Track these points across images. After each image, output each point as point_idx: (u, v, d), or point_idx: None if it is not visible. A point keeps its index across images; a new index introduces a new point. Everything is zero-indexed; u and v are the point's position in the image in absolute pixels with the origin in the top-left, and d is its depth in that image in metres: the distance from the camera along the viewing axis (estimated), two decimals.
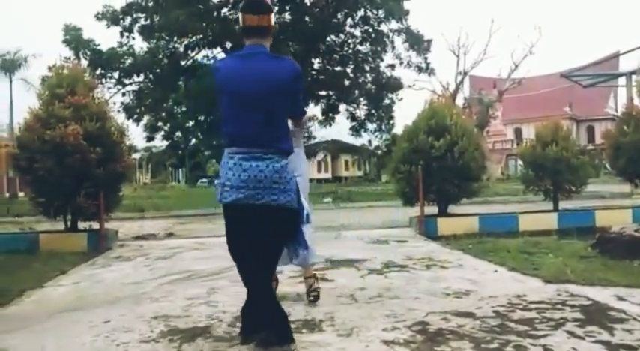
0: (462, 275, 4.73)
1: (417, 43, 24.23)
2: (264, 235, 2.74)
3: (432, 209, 8.39)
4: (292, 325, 3.27)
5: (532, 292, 3.97)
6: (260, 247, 2.76)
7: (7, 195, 27.52)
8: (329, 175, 51.70)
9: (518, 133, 52.06)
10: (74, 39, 22.21)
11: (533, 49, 31.12)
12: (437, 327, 3.17)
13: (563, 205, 8.94)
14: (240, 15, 2.88)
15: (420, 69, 25.02)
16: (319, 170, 52.44)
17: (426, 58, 24.74)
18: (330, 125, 27.30)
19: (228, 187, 2.71)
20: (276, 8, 24.55)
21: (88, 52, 22.41)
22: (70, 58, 9.68)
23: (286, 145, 2.80)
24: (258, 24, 2.83)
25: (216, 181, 2.85)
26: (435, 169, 7.80)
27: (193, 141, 40.37)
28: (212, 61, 24.67)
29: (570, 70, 20.11)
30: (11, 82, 31.74)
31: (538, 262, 5.09)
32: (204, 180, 62.44)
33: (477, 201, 9.80)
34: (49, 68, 7.94)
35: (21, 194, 22.29)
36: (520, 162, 10.84)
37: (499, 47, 61.81)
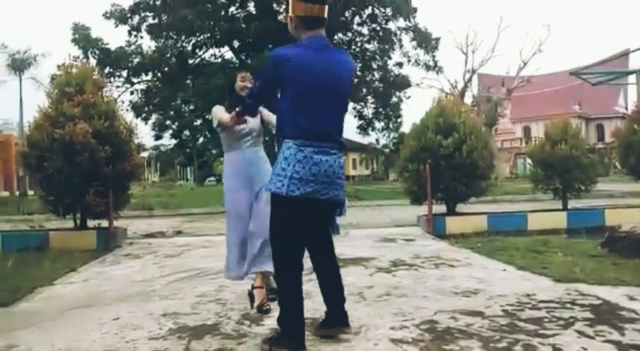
0: (471, 274, 4.71)
1: (425, 41, 24.15)
2: (319, 227, 2.87)
3: (440, 208, 8.36)
4: None
5: (541, 291, 3.95)
6: (317, 237, 2.91)
7: (17, 193, 27.75)
8: None
9: (527, 131, 51.83)
10: (83, 38, 22.30)
11: (542, 47, 30.96)
12: (445, 326, 3.16)
13: (573, 203, 8.89)
14: (297, 4, 2.77)
15: (427, 67, 24.95)
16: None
17: (434, 56, 24.67)
18: None
19: (296, 180, 2.68)
20: (283, 7, 24.56)
21: (97, 51, 22.50)
22: (78, 57, 9.76)
23: (343, 141, 2.93)
24: (323, 14, 2.80)
25: (274, 172, 2.77)
26: (443, 168, 7.77)
27: (201, 139, 40.49)
28: (219, 60, 24.69)
29: (579, 68, 19.91)
30: (21, 81, 31.94)
31: (547, 261, 5.06)
32: (212, 178, 62.64)
33: (486, 200, 9.76)
34: (58, 67, 7.99)
35: (31, 192, 22.48)
36: (529, 160, 10.78)
37: (508, 45, 61.65)
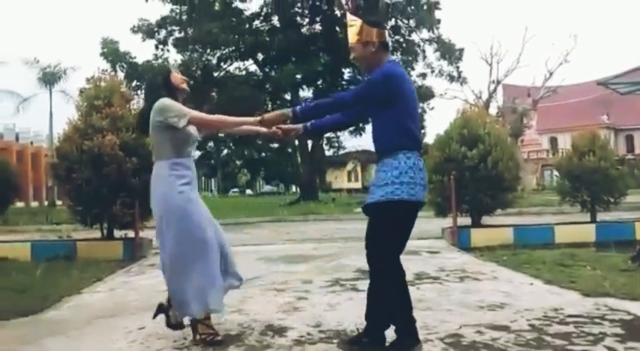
0: (497, 288, 4.64)
1: (449, 52, 24.10)
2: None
3: (464, 220, 8.27)
4: (323, 335, 3.28)
5: (569, 305, 3.87)
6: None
7: (46, 203, 28.40)
8: (359, 185, 51.59)
9: (553, 142, 51.03)
10: (111, 52, 22.86)
11: (569, 57, 30.53)
12: (470, 340, 3.11)
13: (602, 216, 8.69)
14: (377, 31, 3.03)
15: (451, 78, 24.87)
16: (349, 180, 52.42)
17: (457, 67, 24.59)
18: (360, 135, 27.28)
19: (419, 185, 2.97)
20: (307, 19, 24.82)
21: (125, 65, 23.03)
22: (107, 71, 9.93)
23: None
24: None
25: (400, 180, 2.90)
26: (467, 179, 7.69)
27: (225, 151, 40.89)
28: (244, 73, 24.94)
29: (607, 78, 19.56)
30: (51, 94, 32.79)
31: (575, 275, 4.95)
32: (236, 189, 63.09)
33: (512, 212, 9.60)
34: (87, 80, 8.17)
35: (59, 202, 22.96)
36: (556, 172, 10.60)
37: (533, 55, 61.03)
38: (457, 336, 3.20)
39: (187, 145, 3.43)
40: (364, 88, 3.01)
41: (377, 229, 2.95)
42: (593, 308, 3.77)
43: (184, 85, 3.53)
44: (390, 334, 2.93)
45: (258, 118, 3.24)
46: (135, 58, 23.47)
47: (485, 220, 8.32)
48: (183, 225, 3.25)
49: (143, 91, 3.48)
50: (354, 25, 3.04)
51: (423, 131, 25.69)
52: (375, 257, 2.97)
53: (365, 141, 34.48)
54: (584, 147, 8.43)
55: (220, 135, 28.63)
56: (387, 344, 2.93)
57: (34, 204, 30.86)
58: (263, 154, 41.08)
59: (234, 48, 24.23)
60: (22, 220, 15.16)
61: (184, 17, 23.86)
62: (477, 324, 3.43)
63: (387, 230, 2.92)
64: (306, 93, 24.51)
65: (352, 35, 3.04)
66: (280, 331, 3.42)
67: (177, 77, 3.52)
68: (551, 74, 31.29)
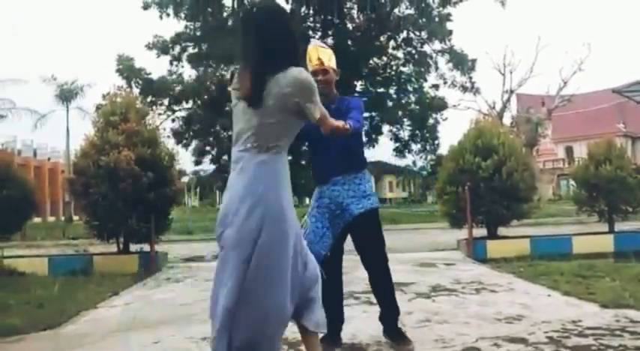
0: (513, 299, 4.58)
1: (461, 62, 24.07)
2: None
3: (480, 231, 8.20)
4: (338, 349, 3.26)
5: (588, 317, 3.81)
6: None
7: (63, 218, 28.71)
8: None
9: (569, 151, 50.46)
10: (126, 68, 23.20)
11: (583, 66, 30.31)
12: None
13: (620, 226, 8.57)
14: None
15: (464, 88, 24.80)
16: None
17: (470, 78, 24.53)
18: (373, 146, 27.27)
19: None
20: (319, 33, 24.99)
21: (140, 81, 23.34)
22: (122, 87, 10.10)
23: None
24: None
25: (372, 193, 3.36)
26: (482, 190, 7.64)
27: None
28: None
29: (623, 86, 19.38)
30: (68, 110, 33.22)
31: (594, 286, 4.87)
32: None
33: (528, 222, 9.51)
34: (104, 97, 8.32)
35: (75, 217, 23.21)
36: (572, 182, 10.49)
37: (547, 64, 60.61)
38: (474, 349, 3.16)
39: None
40: (362, 117, 3.23)
41: (378, 232, 3.32)
42: (612, 320, 3.71)
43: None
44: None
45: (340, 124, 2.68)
46: (150, 74, 23.79)
47: (501, 231, 8.24)
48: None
49: (254, 39, 2.18)
50: (327, 50, 3.25)
51: (436, 142, 25.64)
52: (384, 257, 3.34)
53: (378, 152, 34.47)
54: (601, 156, 8.34)
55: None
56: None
57: (51, 219, 31.19)
58: None
59: None
60: (39, 235, 15.35)
61: (198, 33, 24.17)
62: (494, 336, 3.39)
63: (381, 232, 3.35)
64: None
65: (328, 58, 3.19)
66: (294, 345, 3.42)
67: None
68: (565, 83, 31.15)
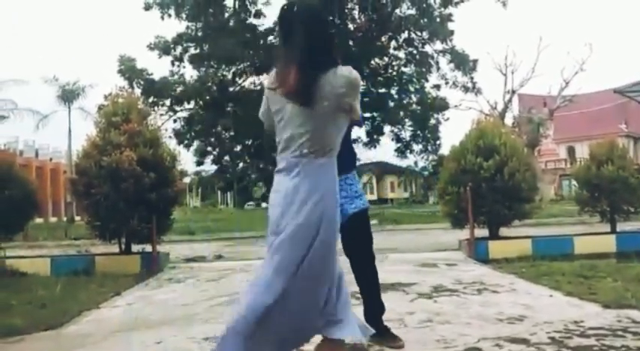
0: (515, 300, 4.58)
1: (463, 63, 24.06)
2: None
3: (482, 232, 8.19)
4: None
5: (590, 317, 3.80)
6: None
7: (65, 219, 28.73)
8: (374, 197, 51.40)
9: (571, 151, 50.37)
10: (128, 69, 23.23)
11: (584, 66, 30.28)
12: None
13: (622, 226, 8.55)
14: None
15: (466, 89, 24.80)
16: (364, 192, 52.24)
17: (472, 78, 24.53)
18: (375, 147, 27.27)
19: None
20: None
21: (142, 81, 23.36)
22: (124, 88, 10.10)
23: None
24: None
25: (360, 191, 3.41)
26: (484, 190, 7.64)
27: (241, 165, 41.14)
28: (259, 88, 25.28)
29: (625, 86, 19.35)
30: (70, 111, 33.27)
31: (596, 287, 4.87)
32: (251, 203, 63.25)
33: (530, 223, 9.49)
34: (105, 97, 8.32)
35: (77, 218, 23.23)
36: (574, 182, 10.47)
37: (548, 65, 60.49)
38: (476, 349, 3.16)
39: None
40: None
41: (368, 231, 3.38)
42: (614, 320, 3.70)
43: None
44: None
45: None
46: (152, 74, 23.82)
47: (503, 231, 8.23)
48: None
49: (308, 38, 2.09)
50: None
51: (438, 142, 25.63)
52: (373, 256, 3.42)
53: (379, 153, 34.43)
54: (603, 156, 8.33)
55: (236, 149, 28.87)
56: None
57: (53, 219, 31.22)
58: None
59: (249, 63, 24.48)
60: (41, 235, 15.36)
61: (200, 34, 24.19)
62: (495, 337, 3.39)
63: (370, 231, 3.43)
64: None
65: None
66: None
67: None
68: (567, 83, 31.14)
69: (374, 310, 3.37)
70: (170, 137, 23.59)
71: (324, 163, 2.27)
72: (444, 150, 22.76)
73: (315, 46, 2.25)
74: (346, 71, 2.25)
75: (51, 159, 39.39)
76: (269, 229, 2.31)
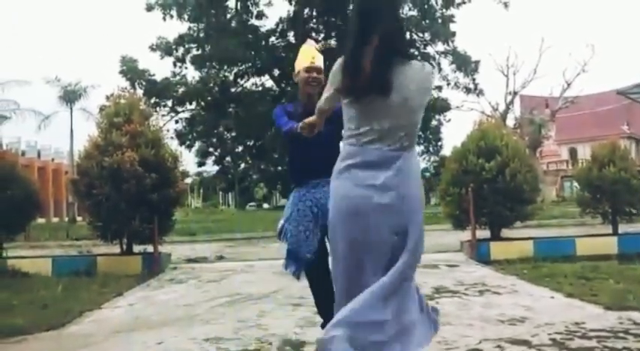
0: (517, 301, 4.57)
1: (465, 64, 24.10)
2: None
3: (483, 233, 8.18)
4: None
5: (591, 319, 3.79)
6: None
7: (67, 219, 28.76)
8: None
9: (573, 153, 50.32)
10: (130, 70, 23.30)
11: (586, 67, 30.22)
12: None
13: (624, 228, 8.54)
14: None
15: (467, 90, 24.85)
16: None
17: (474, 79, 24.58)
18: None
19: None
20: (323, 34, 25.02)
21: (144, 82, 23.44)
22: (126, 88, 10.11)
23: None
24: None
25: None
26: (486, 192, 7.62)
27: (242, 165, 41.20)
28: (260, 89, 25.35)
29: (627, 88, 19.33)
30: (72, 111, 33.30)
31: (597, 288, 4.86)
32: (253, 204, 63.27)
33: (532, 224, 9.49)
34: (107, 98, 8.31)
35: (79, 218, 23.27)
36: (576, 183, 10.45)
37: (550, 66, 60.52)
38: None
39: None
40: None
41: None
42: (616, 322, 3.70)
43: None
44: None
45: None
46: (153, 75, 23.91)
47: (505, 232, 8.22)
48: None
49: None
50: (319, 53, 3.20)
51: (439, 143, 25.66)
52: None
53: None
54: (604, 157, 8.31)
55: (237, 150, 28.90)
56: None
57: (55, 220, 31.25)
58: (280, 168, 41.31)
59: (250, 64, 24.55)
60: (43, 235, 15.37)
61: (202, 35, 24.24)
62: (497, 338, 3.39)
63: None
64: None
65: (321, 59, 3.17)
66: (298, 345, 3.42)
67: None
68: (569, 84, 31.08)
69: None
70: (172, 138, 23.67)
71: (415, 157, 2.28)
72: (446, 151, 22.82)
73: (402, 35, 2.24)
74: (428, 67, 2.26)
75: (53, 159, 39.46)
76: (389, 224, 2.17)
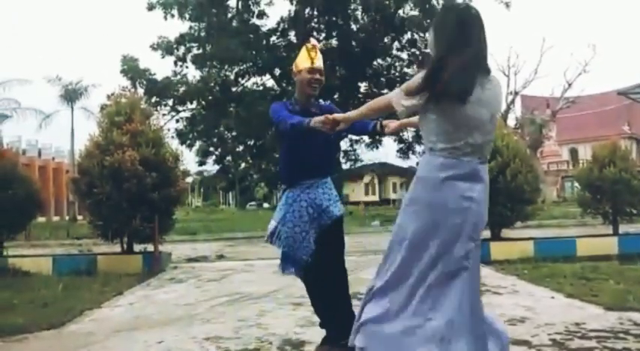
0: (517, 302, 4.58)
1: None
2: None
3: (484, 233, 8.16)
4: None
5: (591, 319, 3.80)
6: None
7: (67, 218, 28.80)
8: (376, 198, 51.37)
9: (573, 153, 50.30)
10: (131, 69, 23.26)
11: (588, 68, 30.16)
12: None
13: (624, 228, 8.54)
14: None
15: None
16: (366, 193, 52.23)
17: None
18: (377, 148, 27.27)
19: None
20: (324, 34, 25.02)
21: (144, 81, 23.40)
22: (127, 87, 10.11)
23: None
24: None
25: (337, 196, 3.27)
26: None
27: (243, 165, 41.22)
28: (261, 88, 25.35)
29: (628, 88, 19.30)
30: (73, 110, 33.38)
31: (598, 289, 4.86)
32: (253, 203, 63.31)
33: (532, 224, 9.49)
34: (108, 97, 8.31)
35: (80, 217, 23.29)
36: (577, 183, 10.45)
37: (551, 66, 60.54)
38: None
39: None
40: None
41: (343, 237, 3.21)
42: (616, 322, 3.70)
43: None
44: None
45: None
46: (154, 74, 23.85)
47: (505, 232, 8.22)
48: None
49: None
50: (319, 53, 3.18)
51: None
52: (344, 262, 3.26)
53: (381, 154, 34.48)
54: (605, 158, 8.31)
55: (238, 149, 28.88)
56: None
57: (56, 219, 31.28)
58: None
59: (251, 63, 24.51)
60: (43, 234, 15.40)
61: (203, 34, 24.22)
62: None
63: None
64: None
65: (322, 62, 3.15)
66: (298, 345, 3.42)
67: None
68: (570, 85, 31.03)
69: (348, 319, 2.96)
70: (172, 137, 23.64)
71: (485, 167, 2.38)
72: None
73: (487, 51, 2.29)
74: (497, 79, 2.35)
75: (54, 158, 39.47)
76: (470, 230, 2.35)
